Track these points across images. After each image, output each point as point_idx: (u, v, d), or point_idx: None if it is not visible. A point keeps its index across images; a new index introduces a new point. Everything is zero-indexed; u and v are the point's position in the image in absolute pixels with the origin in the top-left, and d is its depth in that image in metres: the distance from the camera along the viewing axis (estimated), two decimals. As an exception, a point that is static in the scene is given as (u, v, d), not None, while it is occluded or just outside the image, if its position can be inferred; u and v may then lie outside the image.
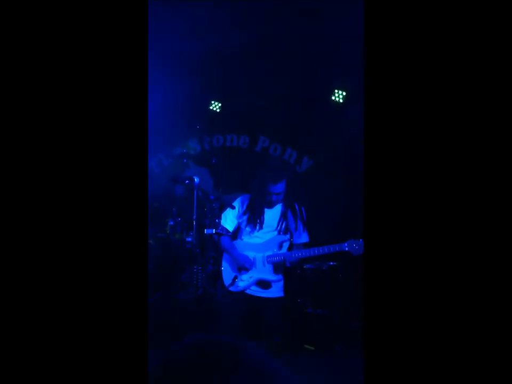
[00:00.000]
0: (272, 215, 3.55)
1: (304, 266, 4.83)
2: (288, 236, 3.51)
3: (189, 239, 5.13)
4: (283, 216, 3.51)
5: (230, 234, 3.60)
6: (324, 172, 5.91)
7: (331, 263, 4.81)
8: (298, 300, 4.73)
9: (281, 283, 3.55)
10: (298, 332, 4.53)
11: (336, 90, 5.98)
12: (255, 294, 3.49)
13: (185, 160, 5.82)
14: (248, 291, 3.48)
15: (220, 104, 6.40)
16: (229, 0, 4.61)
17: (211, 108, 6.40)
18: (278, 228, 3.50)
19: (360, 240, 3.23)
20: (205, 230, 3.76)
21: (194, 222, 4.91)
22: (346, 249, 3.23)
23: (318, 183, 5.81)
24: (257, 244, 3.53)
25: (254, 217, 3.50)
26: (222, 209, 3.85)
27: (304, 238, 3.57)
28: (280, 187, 3.41)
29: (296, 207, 3.53)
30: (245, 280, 3.48)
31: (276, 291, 3.51)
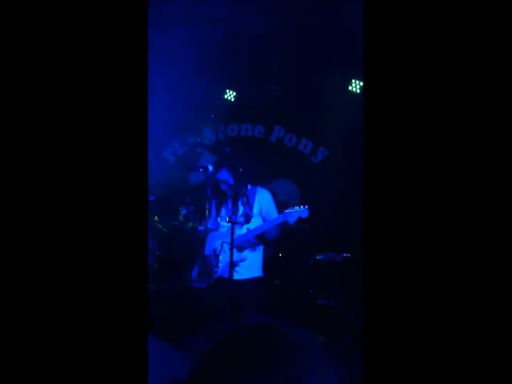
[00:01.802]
0: (230, 204, 3.75)
1: (317, 257, 4.79)
2: (243, 219, 3.66)
3: (202, 228, 5.12)
4: (234, 202, 3.69)
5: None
6: (339, 163, 5.83)
7: (344, 255, 4.76)
8: (311, 291, 4.69)
9: (258, 263, 3.71)
10: (309, 323, 4.49)
11: (353, 80, 5.89)
12: (236, 278, 3.58)
13: (199, 150, 5.80)
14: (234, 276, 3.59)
15: (234, 93, 6.36)
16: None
17: (226, 97, 6.36)
18: (231, 213, 3.66)
19: (294, 208, 3.49)
20: (218, 218, 3.81)
21: (207, 210, 4.92)
22: (284, 219, 3.49)
23: (332, 174, 5.75)
24: (221, 232, 3.78)
25: (210, 207, 3.82)
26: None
27: (272, 217, 3.68)
28: (223, 174, 3.69)
29: (249, 193, 3.71)
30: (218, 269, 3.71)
31: (251, 271, 3.65)
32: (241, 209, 3.71)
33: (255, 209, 3.73)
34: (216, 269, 3.72)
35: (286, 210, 3.54)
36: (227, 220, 3.55)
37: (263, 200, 3.75)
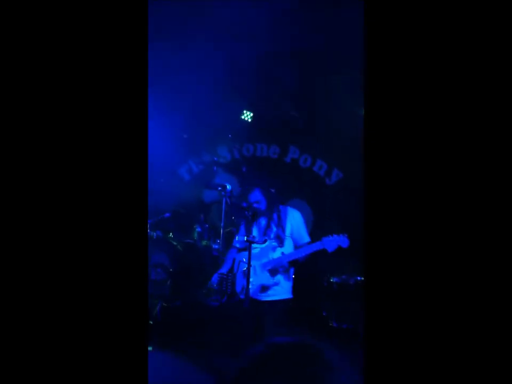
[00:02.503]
0: (262, 224, 3.72)
1: (331, 280, 4.79)
2: (276, 243, 3.62)
3: (216, 246, 5.14)
4: (268, 224, 3.67)
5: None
6: (353, 185, 5.85)
7: (358, 278, 4.76)
8: (324, 313, 4.68)
9: (288, 285, 3.66)
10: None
11: (368, 104, 5.94)
12: (262, 299, 3.59)
13: (215, 168, 5.85)
14: (258, 297, 3.59)
15: (251, 114, 6.44)
16: (258, 7, 4.67)
17: (242, 117, 6.44)
18: (265, 235, 3.66)
19: (333, 235, 3.37)
20: (236, 236, 3.81)
21: (222, 229, 4.94)
22: (322, 247, 3.39)
23: (346, 195, 5.77)
24: (254, 253, 3.68)
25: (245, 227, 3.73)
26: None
27: (303, 239, 3.66)
28: (256, 195, 3.64)
29: (281, 215, 3.68)
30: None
31: (282, 293, 3.61)
32: (274, 230, 3.67)
33: (287, 231, 3.68)
34: (229, 288, 3.70)
35: (325, 237, 3.41)
36: (245, 239, 3.55)
37: (294, 221, 3.71)
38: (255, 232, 3.68)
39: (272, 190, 3.74)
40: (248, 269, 3.43)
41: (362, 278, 4.77)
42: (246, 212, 3.64)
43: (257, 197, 3.69)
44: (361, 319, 4.59)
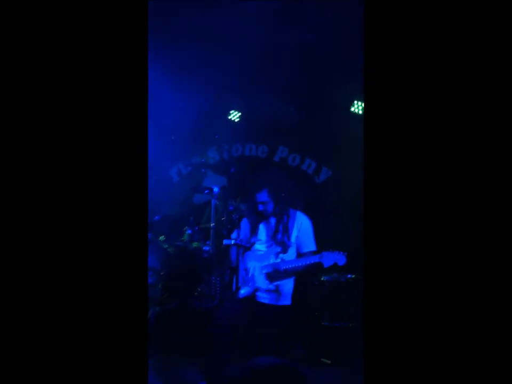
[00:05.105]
0: (267, 227, 3.66)
1: (322, 279, 4.80)
2: (280, 247, 3.58)
3: (206, 248, 5.14)
4: (276, 227, 3.60)
5: (248, 246, 3.62)
6: (342, 183, 5.87)
7: (349, 276, 4.78)
8: (316, 313, 4.69)
9: (289, 291, 3.63)
10: (315, 345, 4.49)
11: (355, 101, 5.96)
12: (263, 301, 3.59)
13: (203, 170, 5.84)
14: (258, 298, 3.59)
15: (239, 114, 6.42)
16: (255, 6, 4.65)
17: (230, 117, 6.43)
18: (271, 238, 3.61)
19: (335, 252, 3.37)
20: (224, 240, 3.78)
21: (211, 231, 4.94)
22: (319, 260, 3.38)
23: (336, 194, 5.79)
24: (257, 255, 3.66)
25: (249, 228, 3.66)
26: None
27: (308, 247, 3.62)
28: (263, 196, 3.55)
29: (289, 220, 3.60)
30: (244, 289, 3.60)
31: (282, 299, 3.59)
32: (279, 236, 3.61)
33: (293, 237, 3.62)
34: (218, 291, 3.68)
35: (325, 252, 3.41)
36: (232, 242, 3.53)
37: (301, 227, 3.64)
38: (263, 234, 3.65)
39: (283, 194, 3.61)
40: (236, 272, 3.42)
41: (353, 276, 4.79)
42: (233, 215, 3.61)
43: (264, 198, 3.60)
44: (355, 318, 4.61)
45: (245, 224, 3.74)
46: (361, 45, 1.74)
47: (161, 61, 4.85)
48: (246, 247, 3.61)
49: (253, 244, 3.67)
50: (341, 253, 3.36)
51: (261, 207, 3.59)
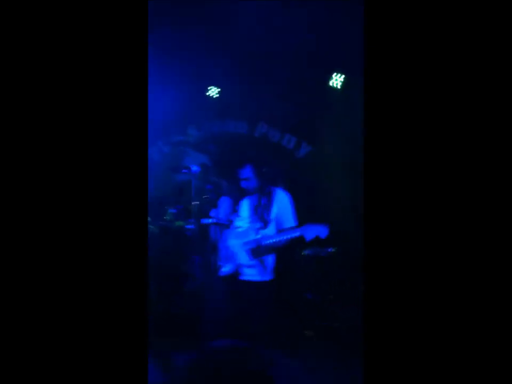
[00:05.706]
0: (249, 203, 3.64)
1: (303, 253, 4.88)
2: (261, 223, 3.58)
3: (189, 226, 5.16)
4: (258, 203, 3.59)
5: (226, 224, 3.63)
6: (323, 158, 5.91)
7: (330, 249, 4.86)
8: (298, 287, 4.79)
9: (271, 266, 3.66)
10: (298, 318, 4.60)
11: (334, 75, 5.94)
12: (245, 279, 3.59)
13: (183, 148, 5.82)
14: (240, 276, 3.60)
15: (218, 90, 6.38)
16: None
17: (209, 94, 6.38)
18: (252, 215, 3.60)
19: (315, 224, 3.33)
20: (201, 219, 3.78)
21: (192, 209, 4.96)
22: (301, 234, 3.34)
23: (315, 169, 5.83)
24: (238, 232, 3.65)
25: (230, 206, 3.64)
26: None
27: (289, 223, 3.62)
28: (246, 172, 3.54)
29: (270, 196, 3.60)
30: (227, 266, 3.62)
31: (261, 274, 3.61)
32: (259, 211, 3.59)
33: (272, 214, 3.61)
34: (197, 272, 3.67)
35: (305, 225, 3.37)
36: (209, 220, 3.54)
37: (281, 204, 3.62)
38: (245, 211, 3.65)
39: (263, 169, 3.60)
40: (216, 250, 3.44)
41: (334, 250, 4.87)
42: (212, 193, 3.59)
43: (247, 174, 3.59)
44: (336, 291, 4.72)
45: (224, 201, 3.74)
46: (361, 45, 1.74)
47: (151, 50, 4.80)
48: (224, 224, 3.62)
49: (231, 221, 3.69)
50: (323, 225, 3.33)
51: (243, 184, 3.59)
